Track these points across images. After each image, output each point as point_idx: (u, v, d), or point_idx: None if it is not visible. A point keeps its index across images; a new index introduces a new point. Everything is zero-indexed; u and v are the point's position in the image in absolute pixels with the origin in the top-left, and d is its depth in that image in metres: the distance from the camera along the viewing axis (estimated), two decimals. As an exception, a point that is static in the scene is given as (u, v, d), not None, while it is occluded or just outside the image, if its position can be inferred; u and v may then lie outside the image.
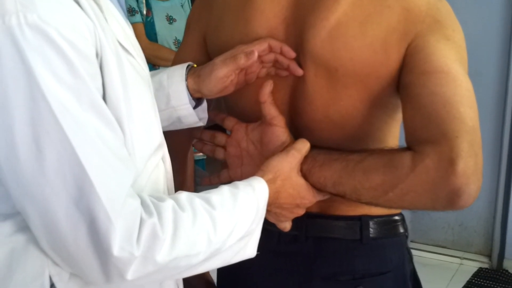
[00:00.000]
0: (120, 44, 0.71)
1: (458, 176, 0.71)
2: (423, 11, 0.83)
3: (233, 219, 0.75)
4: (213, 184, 1.00)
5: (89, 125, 0.62)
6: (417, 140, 0.76)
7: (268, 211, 0.82)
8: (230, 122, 0.98)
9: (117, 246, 0.63)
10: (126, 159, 0.67)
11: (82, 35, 0.62)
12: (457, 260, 3.24)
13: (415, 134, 0.77)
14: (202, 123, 0.99)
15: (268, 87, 0.90)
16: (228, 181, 0.94)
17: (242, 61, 0.89)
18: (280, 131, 0.90)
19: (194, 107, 0.95)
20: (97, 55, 0.65)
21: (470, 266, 3.18)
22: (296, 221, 0.91)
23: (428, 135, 0.75)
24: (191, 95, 0.94)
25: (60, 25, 0.60)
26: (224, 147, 0.98)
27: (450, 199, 0.72)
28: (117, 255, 0.63)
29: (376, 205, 0.82)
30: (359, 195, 0.80)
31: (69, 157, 0.61)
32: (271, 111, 0.90)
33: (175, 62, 1.02)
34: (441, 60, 0.79)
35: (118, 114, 0.67)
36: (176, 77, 0.94)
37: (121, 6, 0.79)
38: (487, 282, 3.00)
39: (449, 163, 0.71)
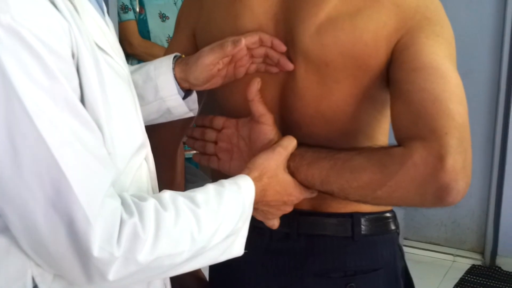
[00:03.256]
0: (97, 44, 0.71)
1: (447, 172, 0.70)
2: (413, 8, 0.84)
3: (218, 218, 0.74)
4: (202, 164, 1.00)
5: (65, 126, 0.62)
6: (406, 136, 0.76)
7: (255, 209, 0.82)
8: (219, 122, 0.97)
9: (97, 247, 0.62)
10: (104, 159, 0.67)
11: (56, 36, 0.62)
12: (450, 257, 3.25)
13: (404, 131, 0.77)
14: (192, 114, 0.99)
15: (255, 85, 0.89)
16: (217, 170, 0.95)
17: (229, 48, 0.88)
18: (267, 129, 0.90)
19: (184, 98, 0.95)
20: (73, 55, 0.64)
21: (463, 263, 3.20)
22: (287, 219, 0.91)
23: (417, 131, 0.74)
24: (179, 84, 0.93)
25: (34, 26, 0.60)
26: (215, 142, 0.98)
27: (439, 195, 0.72)
28: (97, 255, 0.63)
29: (365, 203, 0.82)
30: (347, 194, 0.80)
31: (45, 158, 0.60)
32: (259, 109, 0.90)
33: (165, 58, 1.02)
34: (430, 56, 0.79)
35: (96, 114, 0.67)
36: (163, 67, 0.93)
37: (99, 5, 0.78)
38: (480, 279, 3.01)
39: (438, 159, 0.71)
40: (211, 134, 0.98)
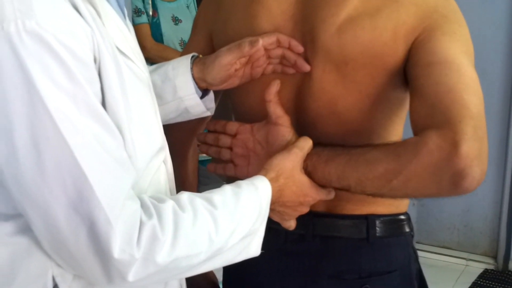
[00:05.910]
0: (118, 48, 0.72)
1: (461, 158, 0.70)
2: (431, 7, 0.85)
3: (235, 219, 0.75)
4: (218, 172, 1.01)
5: (87, 130, 0.63)
6: (421, 127, 0.76)
7: (271, 209, 0.83)
8: (232, 127, 0.97)
9: (118, 249, 0.64)
10: (125, 162, 0.68)
11: (80, 41, 0.63)
12: (463, 262, 3.23)
13: (420, 123, 0.77)
14: (210, 113, 1.00)
15: (275, 86, 0.90)
16: (233, 176, 0.95)
17: (247, 48, 0.89)
18: (285, 131, 0.90)
19: (201, 98, 0.96)
20: (95, 60, 0.66)
21: (476, 268, 3.17)
22: (303, 220, 0.92)
23: (432, 121, 0.75)
24: (197, 84, 0.95)
25: (58, 31, 0.61)
26: (230, 148, 0.98)
27: (455, 181, 0.71)
28: (118, 257, 0.64)
29: (381, 195, 0.82)
30: (364, 187, 0.80)
31: (68, 162, 0.61)
32: (276, 110, 0.90)
33: (181, 59, 1.03)
34: (445, 51, 0.80)
35: (117, 118, 0.68)
36: (181, 67, 0.94)
37: (121, 9, 0.79)
38: (493, 283, 2.99)
39: (453, 145, 0.71)
40: (225, 140, 0.98)
